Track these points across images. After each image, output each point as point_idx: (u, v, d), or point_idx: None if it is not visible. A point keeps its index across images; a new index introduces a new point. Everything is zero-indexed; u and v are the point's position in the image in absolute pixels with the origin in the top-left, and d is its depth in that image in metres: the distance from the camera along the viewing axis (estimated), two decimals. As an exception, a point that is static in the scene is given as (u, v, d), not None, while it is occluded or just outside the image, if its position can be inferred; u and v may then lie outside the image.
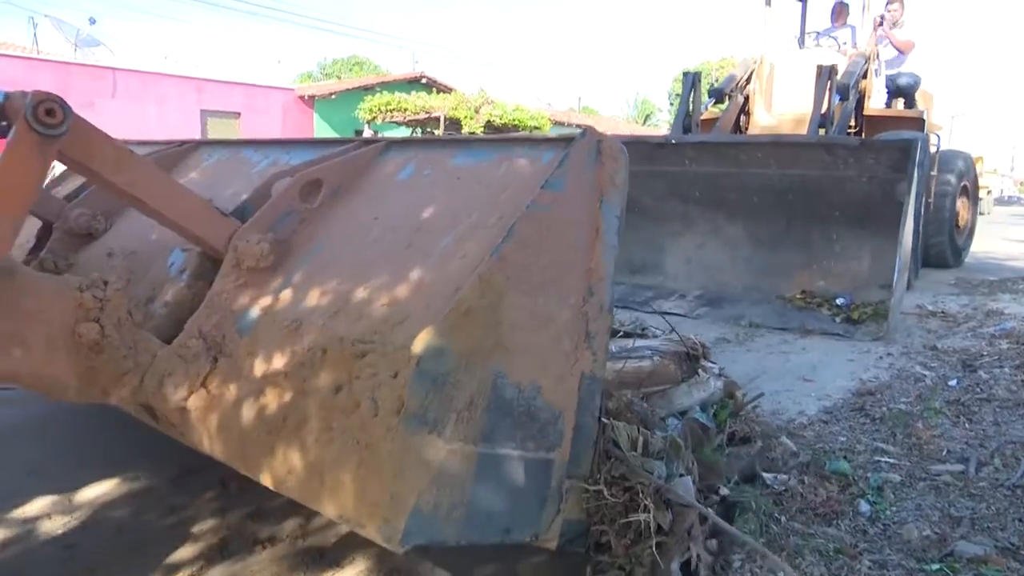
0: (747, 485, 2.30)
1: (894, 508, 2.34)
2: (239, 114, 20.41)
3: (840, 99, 6.90)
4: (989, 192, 37.56)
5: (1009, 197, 54.84)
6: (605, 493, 1.68)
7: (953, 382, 3.89)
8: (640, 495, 1.72)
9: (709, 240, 5.80)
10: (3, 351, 1.46)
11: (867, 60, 7.71)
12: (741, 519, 2.14)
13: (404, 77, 25.28)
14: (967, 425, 3.17)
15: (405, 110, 20.11)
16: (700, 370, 2.50)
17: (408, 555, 2.03)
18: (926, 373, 4.10)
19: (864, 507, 2.32)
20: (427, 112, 19.95)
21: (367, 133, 21.27)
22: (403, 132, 22.08)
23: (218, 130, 19.29)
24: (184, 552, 2.02)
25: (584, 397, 1.65)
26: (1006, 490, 2.46)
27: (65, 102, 1.50)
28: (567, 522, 1.65)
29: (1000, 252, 12.60)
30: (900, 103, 8.39)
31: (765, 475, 2.45)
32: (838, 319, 5.09)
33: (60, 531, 2.11)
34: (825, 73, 6.59)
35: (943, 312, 6.21)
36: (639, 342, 2.58)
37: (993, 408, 3.40)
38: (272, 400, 1.61)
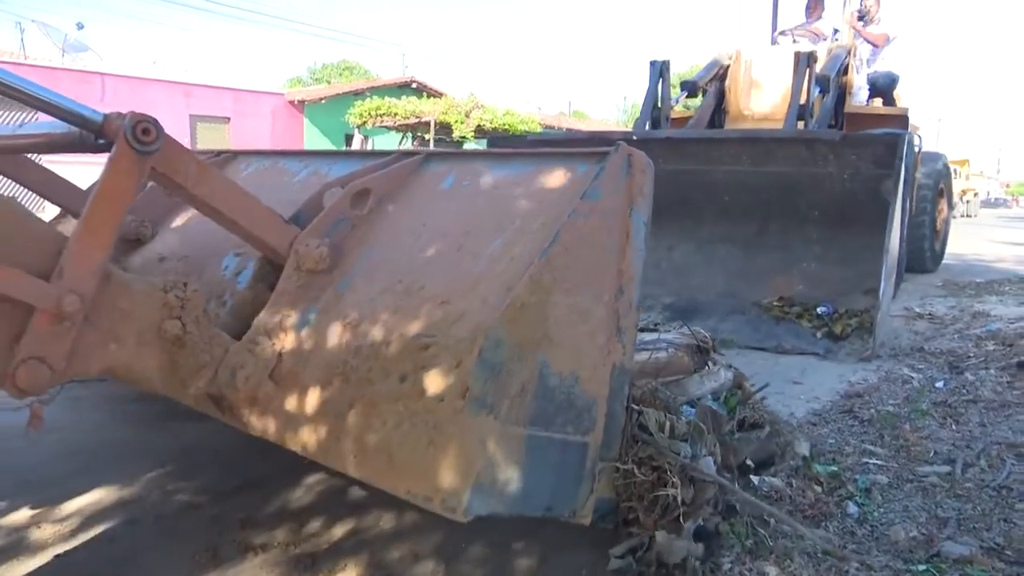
0: (754, 474, 2.43)
1: (882, 509, 2.36)
2: (228, 119, 20.35)
3: (820, 91, 6.57)
4: (976, 194, 37.97)
5: (995, 199, 55.43)
6: (636, 472, 1.87)
7: (940, 384, 3.93)
8: (668, 473, 1.90)
9: (680, 243, 5.38)
10: (101, 346, 1.62)
11: (848, 54, 7.45)
12: (732, 520, 2.16)
13: (394, 82, 25.29)
14: (954, 426, 3.21)
15: (395, 115, 20.10)
16: (710, 362, 2.69)
17: (403, 559, 2.04)
18: (913, 375, 4.14)
19: (852, 509, 2.35)
20: (417, 117, 19.95)
21: (357, 138, 21.25)
22: (393, 137, 22.07)
23: (207, 135, 19.21)
24: (176, 560, 2.02)
25: (615, 386, 1.81)
26: (991, 491, 2.49)
27: (158, 122, 1.67)
28: (599, 500, 1.83)
29: (987, 254, 12.71)
30: (877, 102, 8.21)
31: (753, 478, 2.47)
32: (819, 333, 4.66)
33: (51, 540, 2.11)
34: (804, 60, 6.25)
35: (930, 314, 6.27)
36: (653, 335, 2.77)
37: (979, 409, 3.44)
38: (337, 389, 1.76)
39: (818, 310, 4.76)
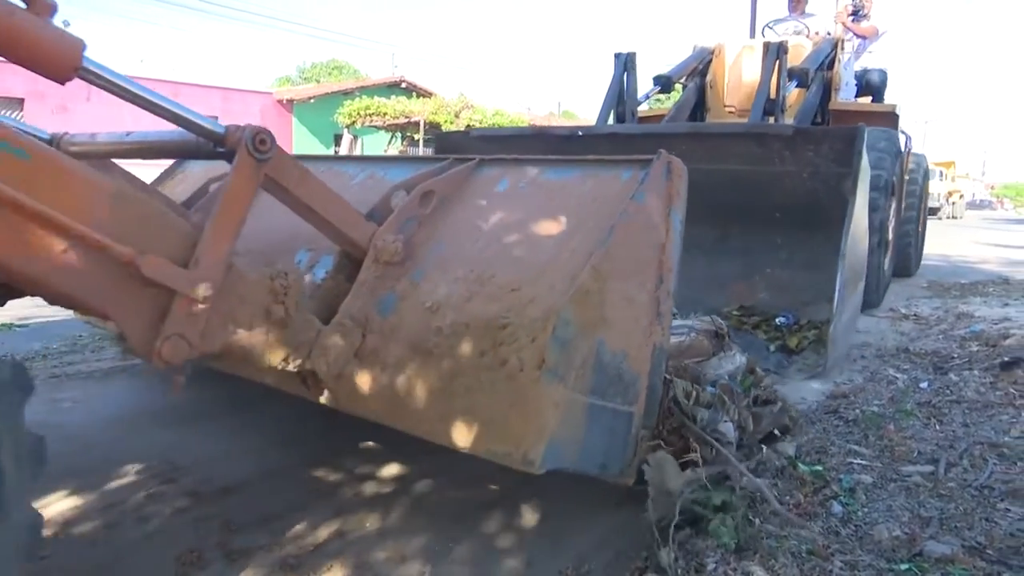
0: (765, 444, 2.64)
1: (866, 509, 2.38)
2: (216, 118, 20.15)
3: (797, 85, 6.16)
4: (961, 196, 38.31)
5: (981, 201, 55.93)
6: (665, 443, 2.20)
7: (924, 384, 3.96)
8: (691, 440, 2.26)
9: None
10: (223, 326, 1.84)
11: (834, 47, 7.10)
12: (717, 520, 2.16)
13: (384, 81, 25.25)
14: (937, 427, 3.24)
15: (384, 114, 20.06)
16: (726, 347, 2.92)
17: (389, 560, 2.03)
18: (898, 376, 4.17)
19: (837, 508, 2.36)
20: (407, 116, 19.92)
21: (346, 137, 21.19)
22: (382, 136, 22.02)
23: (195, 134, 19.04)
24: (158, 564, 2.00)
25: (655, 363, 2.13)
26: (974, 490, 2.51)
27: (271, 134, 1.91)
28: (641, 463, 2.12)
29: (972, 255, 12.83)
30: (867, 100, 7.94)
31: (739, 479, 2.47)
32: (772, 346, 4.18)
33: (31, 543, 2.08)
34: (773, 51, 5.83)
35: (915, 315, 6.32)
36: (676, 321, 2.92)
37: (963, 410, 3.47)
38: (419, 365, 2.02)
39: (776, 320, 4.36)
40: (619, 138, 4.56)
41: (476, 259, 2.18)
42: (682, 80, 7.01)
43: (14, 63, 1.60)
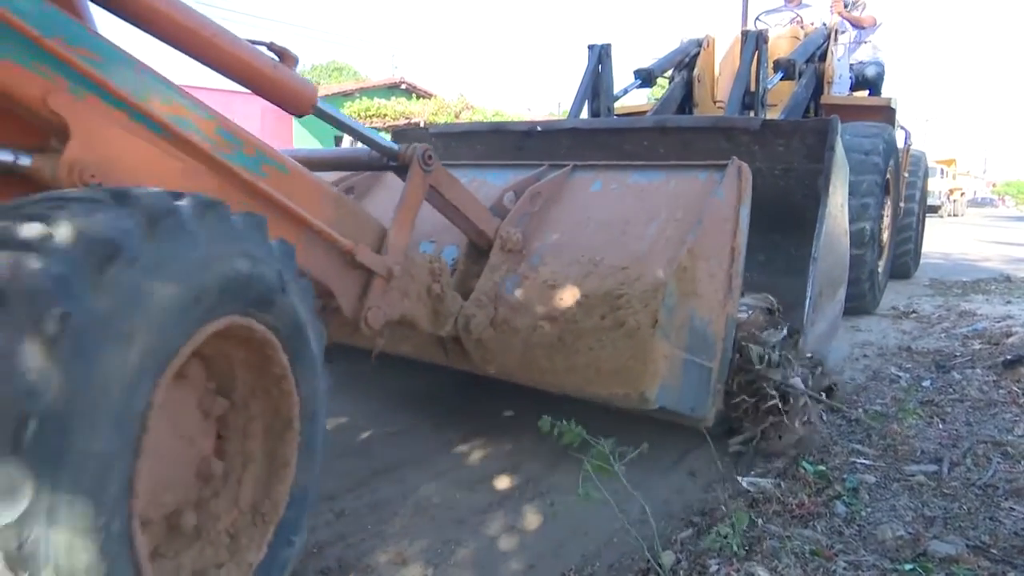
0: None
1: (869, 509, 2.37)
2: (217, 120, 20.17)
3: (783, 77, 5.83)
4: (962, 194, 38.24)
5: (982, 199, 55.79)
6: (737, 394, 2.82)
7: (927, 383, 3.95)
8: (766, 389, 2.84)
9: None
10: (399, 300, 2.34)
11: (826, 39, 6.83)
12: (722, 524, 2.16)
13: (384, 83, 25.26)
14: (940, 426, 3.23)
15: (385, 116, 20.09)
16: (776, 322, 3.27)
17: (390, 563, 2.02)
18: (901, 374, 4.16)
19: (840, 508, 2.35)
20: (407, 118, 19.95)
21: (346, 139, 21.20)
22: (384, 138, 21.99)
23: (196, 137, 19.04)
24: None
25: (728, 329, 2.68)
26: (977, 489, 2.50)
27: (435, 151, 2.40)
28: (718, 412, 2.70)
29: (973, 253, 12.81)
30: (864, 94, 7.69)
31: (742, 480, 2.47)
32: None
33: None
34: (752, 40, 5.52)
35: (917, 313, 6.31)
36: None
37: (966, 408, 3.46)
38: (547, 330, 2.51)
39: None
40: (580, 133, 4.31)
41: (585, 246, 2.66)
42: (667, 74, 6.74)
43: (271, 102, 2.08)
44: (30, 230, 1.11)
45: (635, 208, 2.72)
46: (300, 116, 2.21)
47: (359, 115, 20.22)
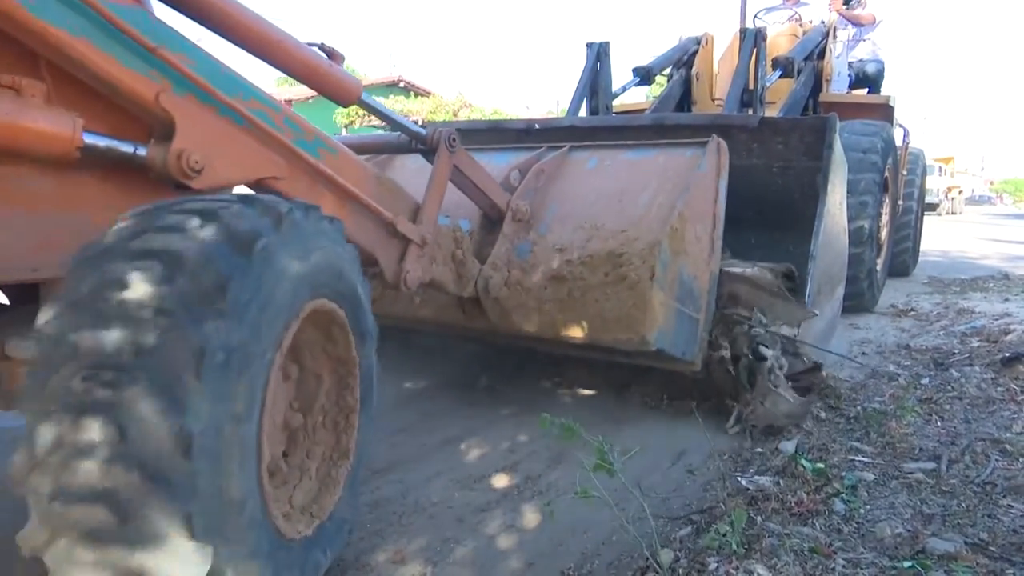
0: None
1: (868, 507, 2.37)
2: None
3: (782, 75, 5.86)
4: (960, 192, 38.25)
5: (980, 196, 55.86)
6: (714, 342, 3.14)
7: (925, 381, 3.95)
8: (739, 343, 3.17)
9: None
10: (428, 265, 2.65)
11: (825, 36, 6.84)
12: (721, 522, 2.16)
13: (382, 81, 25.19)
14: (939, 423, 3.23)
15: (383, 114, 20.02)
16: (779, 287, 3.43)
17: (388, 562, 2.02)
18: (899, 372, 4.16)
19: (839, 506, 2.35)
20: (405, 116, 19.90)
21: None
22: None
23: (194, 135, 18.97)
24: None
25: (711, 285, 3.06)
26: (976, 486, 2.50)
27: (459, 134, 2.69)
28: (704, 357, 3.08)
29: (971, 251, 12.82)
30: (862, 92, 7.66)
31: (741, 478, 2.47)
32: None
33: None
34: (750, 37, 5.57)
35: (916, 311, 6.32)
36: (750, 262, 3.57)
37: (964, 406, 3.46)
38: (556, 288, 2.87)
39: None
40: (578, 130, 4.29)
41: (586, 214, 3.02)
42: (665, 72, 6.74)
43: (323, 95, 2.35)
44: (200, 222, 1.42)
45: (629, 180, 3.07)
46: (347, 107, 2.54)
47: (358, 113, 20.17)
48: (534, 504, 2.40)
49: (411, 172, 3.10)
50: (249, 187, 2.09)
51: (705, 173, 2.98)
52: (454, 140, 2.66)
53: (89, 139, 1.67)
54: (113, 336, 1.28)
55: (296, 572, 1.65)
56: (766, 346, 3.17)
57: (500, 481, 2.60)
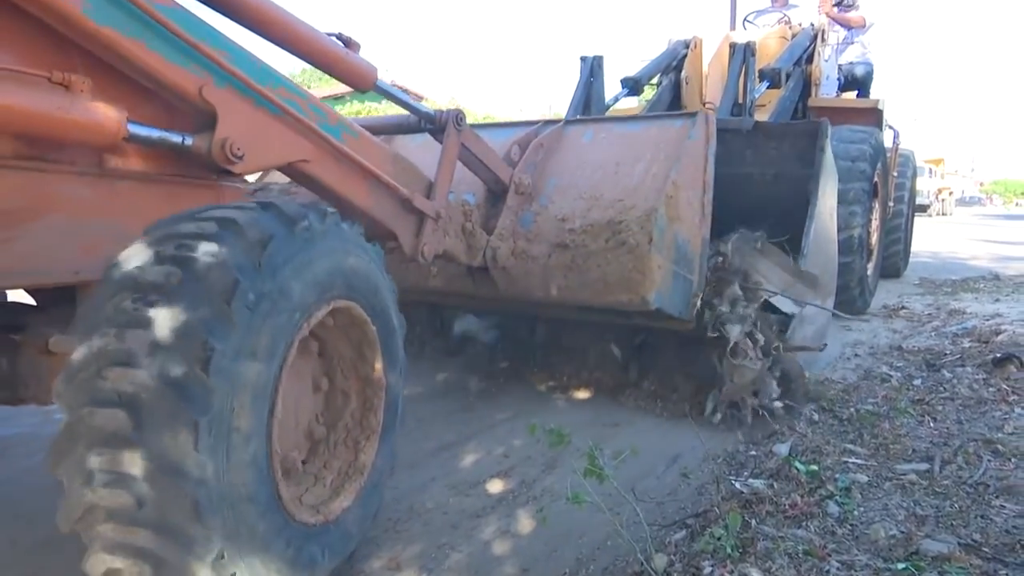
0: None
1: (862, 508, 2.37)
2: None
3: (769, 86, 5.94)
4: (951, 193, 38.47)
5: (970, 198, 56.14)
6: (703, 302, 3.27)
7: (918, 382, 3.97)
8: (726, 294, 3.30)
9: None
10: (443, 236, 2.80)
11: (813, 41, 6.88)
12: (715, 526, 2.16)
13: (374, 86, 25.12)
14: (931, 424, 3.24)
15: (376, 119, 19.96)
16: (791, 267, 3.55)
17: (383, 569, 2.01)
18: (892, 373, 4.18)
19: (833, 508, 2.35)
20: (398, 121, 19.84)
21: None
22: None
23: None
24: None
25: (703, 249, 3.20)
26: (969, 487, 2.51)
27: (464, 114, 2.84)
28: (696, 314, 3.22)
29: (962, 252, 12.90)
30: (852, 95, 7.69)
31: (735, 481, 2.47)
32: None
33: (22, 558, 2.06)
34: (740, 52, 5.74)
35: (908, 312, 6.35)
36: None
37: (956, 406, 3.48)
38: (559, 255, 3.02)
39: None
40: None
41: (586, 185, 3.18)
42: (653, 81, 6.83)
43: (342, 81, 2.51)
44: (219, 228, 1.54)
45: (624, 152, 3.23)
46: (364, 91, 2.65)
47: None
48: (529, 509, 2.40)
49: (410, 151, 3.18)
50: (281, 171, 2.29)
51: (695, 142, 3.13)
52: (461, 119, 2.81)
53: (134, 129, 1.78)
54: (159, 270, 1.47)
55: (284, 546, 1.66)
56: (732, 324, 3.25)
57: (495, 486, 2.60)
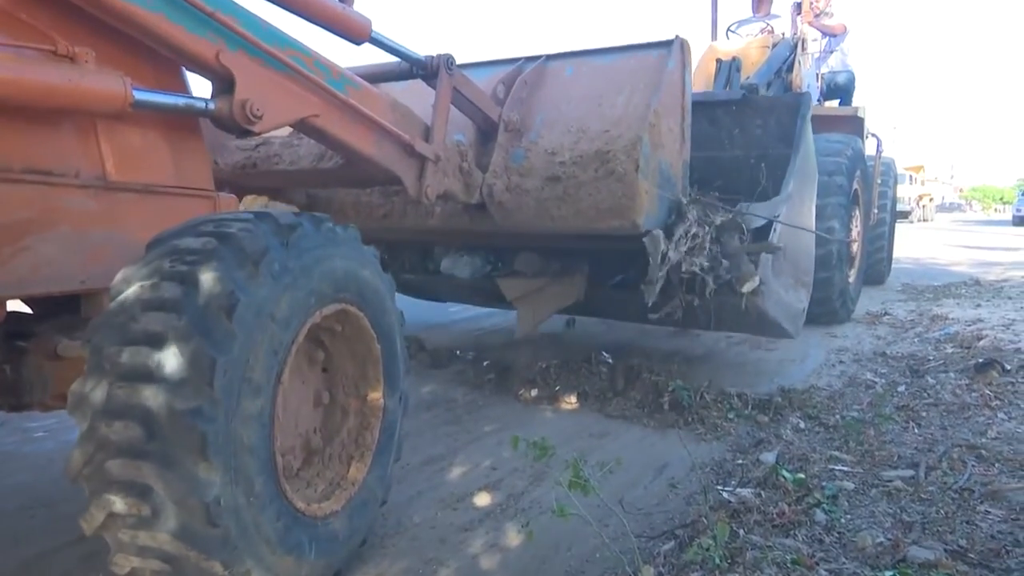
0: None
1: (849, 516, 2.38)
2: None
3: None
4: (931, 199, 38.97)
5: (950, 204, 56.90)
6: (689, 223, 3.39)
7: (902, 388, 4.00)
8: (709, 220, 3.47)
9: None
10: (443, 177, 2.93)
11: (793, 49, 6.96)
12: (703, 536, 2.15)
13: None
14: (916, 430, 3.26)
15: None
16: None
17: None
18: (876, 380, 4.21)
19: (820, 516, 2.36)
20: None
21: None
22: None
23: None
24: None
25: (684, 171, 3.46)
26: (954, 493, 2.53)
27: (455, 58, 2.90)
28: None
29: (943, 258, 13.05)
30: (835, 103, 7.75)
31: (723, 491, 2.47)
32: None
33: None
34: (725, 69, 5.97)
35: (891, 318, 6.40)
36: None
37: (940, 412, 3.50)
38: (552, 187, 3.15)
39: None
40: None
41: (572, 118, 3.28)
42: None
43: (336, 34, 2.51)
44: (213, 241, 1.62)
45: (605, 84, 3.34)
46: (360, 44, 2.62)
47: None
48: (517, 522, 2.39)
49: (397, 96, 3.20)
50: (292, 127, 2.38)
51: (672, 70, 3.26)
52: (452, 64, 2.89)
53: (139, 96, 1.82)
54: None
55: (274, 516, 1.69)
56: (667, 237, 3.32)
57: (483, 500, 2.58)
